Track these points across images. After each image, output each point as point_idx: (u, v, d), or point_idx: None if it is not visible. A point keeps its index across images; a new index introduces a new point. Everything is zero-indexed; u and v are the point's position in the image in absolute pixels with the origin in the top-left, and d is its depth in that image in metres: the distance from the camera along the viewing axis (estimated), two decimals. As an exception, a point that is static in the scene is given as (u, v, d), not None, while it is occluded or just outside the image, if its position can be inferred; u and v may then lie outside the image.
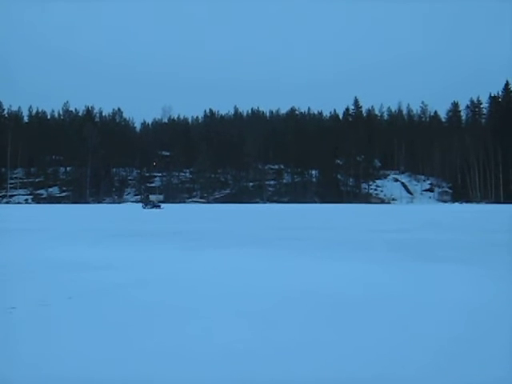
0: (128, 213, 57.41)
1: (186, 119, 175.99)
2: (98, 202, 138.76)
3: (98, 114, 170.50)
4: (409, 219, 40.60)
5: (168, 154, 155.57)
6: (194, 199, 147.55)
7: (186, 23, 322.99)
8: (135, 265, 12.29)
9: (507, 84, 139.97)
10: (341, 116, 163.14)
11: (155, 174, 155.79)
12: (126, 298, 8.43)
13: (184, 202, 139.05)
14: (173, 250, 15.73)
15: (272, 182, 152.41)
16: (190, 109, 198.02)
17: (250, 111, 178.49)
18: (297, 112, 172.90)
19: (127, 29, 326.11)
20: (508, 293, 8.97)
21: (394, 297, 8.51)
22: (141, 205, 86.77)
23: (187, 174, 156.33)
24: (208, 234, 22.48)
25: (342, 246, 17.12)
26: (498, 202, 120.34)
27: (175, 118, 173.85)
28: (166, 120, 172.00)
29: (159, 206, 79.06)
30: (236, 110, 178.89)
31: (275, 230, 25.60)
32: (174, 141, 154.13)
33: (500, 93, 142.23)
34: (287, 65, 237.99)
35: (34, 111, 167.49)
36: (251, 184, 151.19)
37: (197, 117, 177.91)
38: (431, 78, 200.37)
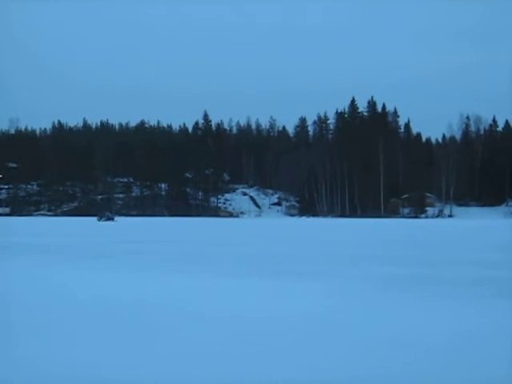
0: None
1: (33, 131, 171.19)
2: None
3: None
4: (255, 233, 40.80)
5: (15, 165, 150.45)
6: (42, 212, 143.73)
7: None
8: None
9: (353, 100, 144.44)
10: (190, 130, 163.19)
11: (1, 187, 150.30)
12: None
13: (31, 215, 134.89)
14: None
15: (121, 195, 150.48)
16: (38, 120, 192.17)
17: (99, 123, 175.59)
18: (146, 125, 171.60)
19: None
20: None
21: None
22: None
23: (34, 187, 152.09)
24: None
25: (186, 259, 16.73)
26: (343, 215, 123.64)
27: (22, 129, 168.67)
28: (13, 131, 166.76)
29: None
30: (85, 122, 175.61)
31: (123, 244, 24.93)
32: (22, 153, 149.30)
33: (346, 109, 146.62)
34: (136, 75, 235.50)
35: None
36: (100, 197, 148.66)
37: (45, 128, 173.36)
38: (279, 93, 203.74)
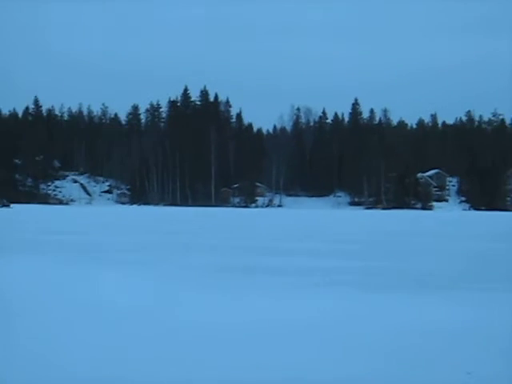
0: None
1: None
2: None
3: None
4: (86, 222, 40.22)
5: None
6: None
7: None
8: None
9: (186, 89, 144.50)
10: (20, 115, 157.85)
11: None
12: None
13: None
14: None
15: None
16: None
17: None
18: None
19: None
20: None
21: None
22: None
23: None
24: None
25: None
26: (175, 204, 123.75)
27: None
28: None
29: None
30: None
31: None
32: None
33: (179, 97, 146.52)
34: None
35: None
36: None
37: None
38: (110, 81, 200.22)
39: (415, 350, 6.28)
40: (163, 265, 13.35)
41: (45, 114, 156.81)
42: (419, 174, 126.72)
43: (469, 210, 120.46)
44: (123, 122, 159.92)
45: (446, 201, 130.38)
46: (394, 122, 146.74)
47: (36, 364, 5.69)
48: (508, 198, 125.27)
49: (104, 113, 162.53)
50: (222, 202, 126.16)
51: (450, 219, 59.02)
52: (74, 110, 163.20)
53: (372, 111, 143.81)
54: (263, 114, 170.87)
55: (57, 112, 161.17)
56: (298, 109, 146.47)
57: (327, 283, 10.71)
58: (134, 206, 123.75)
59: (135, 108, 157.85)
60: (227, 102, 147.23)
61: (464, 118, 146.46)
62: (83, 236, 23.64)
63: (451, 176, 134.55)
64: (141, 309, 7.98)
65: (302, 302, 8.51)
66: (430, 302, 8.75)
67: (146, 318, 7.48)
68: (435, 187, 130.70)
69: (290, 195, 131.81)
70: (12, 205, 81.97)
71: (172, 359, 5.94)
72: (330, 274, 12.11)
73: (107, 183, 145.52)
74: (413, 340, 6.65)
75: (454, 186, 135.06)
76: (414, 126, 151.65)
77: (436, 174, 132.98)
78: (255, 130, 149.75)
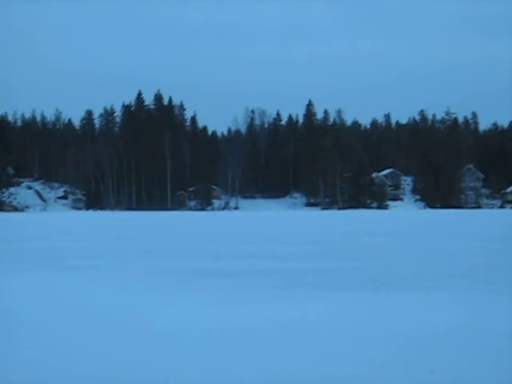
0: None
1: None
2: None
3: None
4: (41, 229, 39.87)
5: None
6: None
7: None
8: None
9: (140, 93, 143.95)
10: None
11: None
12: None
13: None
14: None
15: None
16: None
17: None
18: None
19: None
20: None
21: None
22: None
23: None
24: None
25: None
26: (131, 208, 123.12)
27: None
28: None
29: None
30: None
31: None
32: None
33: (133, 102, 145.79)
34: None
35: None
36: None
37: None
38: (64, 86, 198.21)
39: (377, 352, 6.36)
40: (120, 270, 13.32)
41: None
42: (374, 174, 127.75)
43: (424, 208, 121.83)
44: (77, 128, 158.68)
45: (402, 199, 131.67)
46: (348, 122, 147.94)
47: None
48: (462, 196, 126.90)
49: (58, 118, 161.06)
50: (178, 205, 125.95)
51: (407, 218, 59.67)
52: (27, 116, 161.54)
53: (326, 112, 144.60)
54: (217, 116, 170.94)
55: (10, 118, 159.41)
56: (253, 111, 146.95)
57: (285, 285, 10.77)
58: (90, 211, 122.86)
59: (89, 113, 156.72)
60: (181, 105, 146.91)
61: (417, 118, 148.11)
62: (39, 242, 23.42)
63: (406, 175, 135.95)
64: (101, 312, 7.97)
65: (260, 305, 8.56)
66: (389, 302, 8.86)
67: (108, 321, 7.47)
68: (390, 186, 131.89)
69: (246, 197, 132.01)
70: None
71: (133, 363, 5.96)
72: (288, 276, 12.18)
73: (62, 189, 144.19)
74: (374, 340, 6.74)
75: (408, 184, 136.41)
76: (368, 126, 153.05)
77: (391, 173, 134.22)
78: (210, 132, 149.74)
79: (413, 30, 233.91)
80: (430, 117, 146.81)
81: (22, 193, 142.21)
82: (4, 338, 6.86)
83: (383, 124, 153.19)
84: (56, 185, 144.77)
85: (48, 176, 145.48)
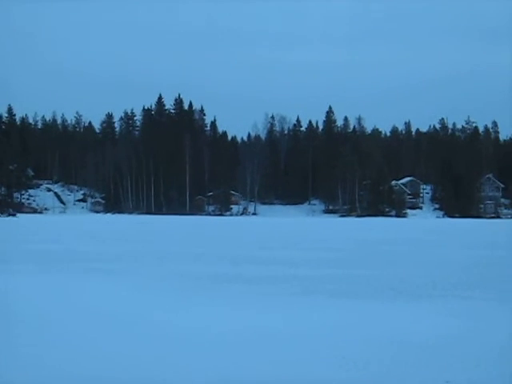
0: None
1: None
2: None
3: None
4: (60, 231, 40.03)
5: None
6: None
7: None
8: None
9: (160, 97, 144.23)
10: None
11: None
12: None
13: None
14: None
15: None
16: None
17: None
18: None
19: None
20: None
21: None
22: None
23: None
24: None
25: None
26: (149, 212, 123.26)
27: None
28: None
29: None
30: None
31: None
32: None
33: (153, 106, 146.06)
34: None
35: None
36: None
37: None
38: (85, 90, 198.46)
39: (392, 359, 6.39)
40: (138, 274, 13.38)
41: (18, 123, 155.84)
42: (393, 182, 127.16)
43: (443, 217, 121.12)
44: (97, 131, 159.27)
45: (420, 208, 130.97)
46: (368, 129, 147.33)
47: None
48: (481, 205, 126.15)
49: (78, 121, 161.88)
50: (196, 210, 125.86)
51: (426, 227, 59.42)
52: (47, 119, 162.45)
53: (346, 119, 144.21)
54: (237, 122, 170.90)
55: (30, 120, 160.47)
56: (273, 117, 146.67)
57: (303, 292, 10.80)
58: (109, 214, 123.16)
59: (109, 116, 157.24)
60: (201, 110, 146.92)
61: (437, 126, 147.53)
62: (58, 245, 23.54)
63: (425, 183, 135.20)
64: (119, 316, 8.03)
65: (278, 311, 8.60)
66: (405, 310, 8.88)
67: (125, 325, 7.53)
68: (409, 194, 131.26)
69: (264, 203, 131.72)
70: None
71: (149, 362, 6.01)
72: (306, 283, 12.19)
73: (81, 192, 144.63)
74: (389, 349, 6.76)
75: (427, 193, 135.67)
76: (388, 134, 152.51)
77: (410, 181, 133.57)
78: (230, 138, 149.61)
79: (434, 36, 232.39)
80: (450, 125, 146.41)
81: (42, 195, 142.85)
82: (25, 339, 6.93)
83: (403, 132, 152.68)
84: (75, 187, 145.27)
85: (67, 178, 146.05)
